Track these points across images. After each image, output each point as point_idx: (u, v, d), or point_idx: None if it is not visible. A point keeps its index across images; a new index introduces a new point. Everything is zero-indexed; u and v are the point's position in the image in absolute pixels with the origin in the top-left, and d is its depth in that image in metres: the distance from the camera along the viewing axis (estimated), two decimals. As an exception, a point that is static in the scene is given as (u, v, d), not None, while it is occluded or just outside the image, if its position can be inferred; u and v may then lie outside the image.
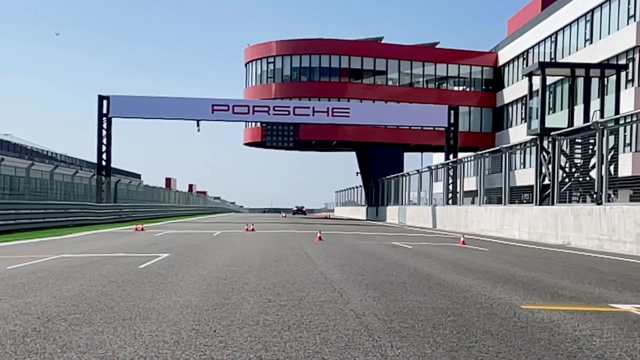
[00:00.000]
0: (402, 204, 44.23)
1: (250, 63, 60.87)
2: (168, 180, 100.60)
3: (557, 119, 27.72)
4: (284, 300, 7.22)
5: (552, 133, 22.47)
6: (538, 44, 49.74)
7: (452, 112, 45.38)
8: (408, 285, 8.66)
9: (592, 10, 41.42)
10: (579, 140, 22.32)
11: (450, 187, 36.12)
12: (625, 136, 33.99)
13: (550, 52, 47.59)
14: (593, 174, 19.52)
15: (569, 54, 44.04)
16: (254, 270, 10.48)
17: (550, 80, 29.03)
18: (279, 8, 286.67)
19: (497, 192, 26.98)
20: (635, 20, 36.64)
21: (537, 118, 27.55)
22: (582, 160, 22.43)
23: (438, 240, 21.38)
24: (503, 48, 57.91)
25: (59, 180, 31.88)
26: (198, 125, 43.62)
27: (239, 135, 62.45)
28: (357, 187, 72.54)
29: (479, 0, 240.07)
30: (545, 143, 25.23)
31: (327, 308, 6.69)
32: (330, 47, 58.01)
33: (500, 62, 58.20)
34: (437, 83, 59.58)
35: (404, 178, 44.52)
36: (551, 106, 30.80)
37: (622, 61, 36.69)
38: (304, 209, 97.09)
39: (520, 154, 42.45)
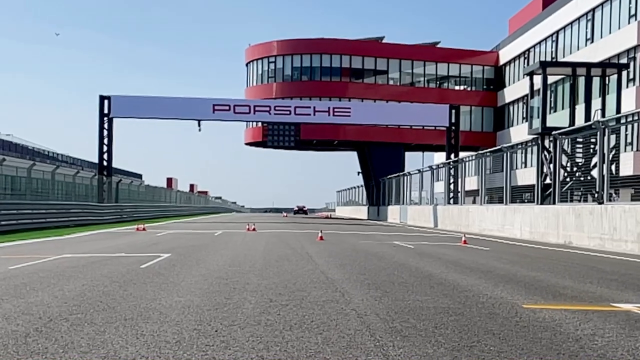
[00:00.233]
0: (403, 204, 44.22)
1: (251, 63, 60.88)
2: (169, 180, 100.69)
3: (558, 118, 27.72)
4: (285, 300, 7.23)
5: (554, 132, 22.46)
6: (539, 43, 49.72)
7: (453, 111, 45.37)
8: (409, 285, 8.66)
9: (593, 10, 41.40)
10: (580, 140, 22.33)
11: (452, 186, 36.10)
12: (626, 135, 33.97)
13: (552, 52, 47.56)
14: (594, 173, 19.51)
15: (570, 53, 44.01)
16: (255, 270, 10.48)
17: (551, 79, 29.05)
18: (279, 8, 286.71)
19: (498, 191, 26.97)
20: (636, 19, 36.61)
21: (538, 117, 27.55)
22: (583, 160, 22.44)
23: (439, 239, 21.37)
24: (504, 47, 57.88)
25: (60, 180, 31.90)
26: (199, 125, 43.65)
27: (240, 135, 62.52)
28: (358, 187, 72.53)
29: (479, 0, 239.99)
30: (546, 142, 25.22)
31: (328, 308, 6.69)
32: (331, 47, 58.01)
33: (501, 62, 58.18)
34: (438, 82, 59.56)
35: (405, 177, 44.51)
36: (552, 105, 30.80)
37: (623, 60, 36.66)
38: (305, 209, 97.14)
39: (522, 153, 42.42)
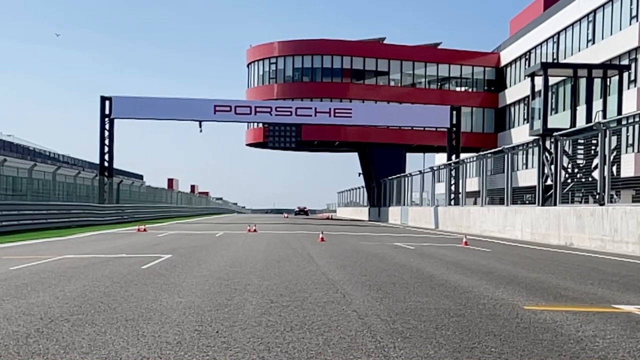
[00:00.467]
0: (404, 205, 44.22)
1: (252, 64, 60.91)
2: (170, 181, 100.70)
3: (559, 120, 27.73)
4: (286, 301, 7.23)
5: (555, 134, 22.45)
6: (540, 44, 49.72)
7: (454, 112, 45.39)
8: (410, 286, 8.66)
9: (595, 11, 41.40)
10: (582, 141, 22.32)
11: (453, 187, 36.10)
12: (627, 137, 33.96)
13: (553, 53, 47.57)
14: (595, 174, 19.50)
15: (572, 54, 44.01)
16: (256, 271, 10.48)
17: (552, 80, 29.06)
18: (279, 8, 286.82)
19: (499, 192, 26.96)
20: (637, 20, 36.60)
21: (539, 118, 27.55)
22: (584, 161, 22.43)
23: (440, 240, 21.37)
24: (505, 48, 57.89)
25: (61, 181, 31.92)
26: (200, 126, 43.70)
27: (241, 136, 62.54)
28: (359, 188, 72.54)
29: (481, 1, 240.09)
30: (547, 144, 25.21)
31: (329, 309, 6.69)
32: (332, 48, 58.03)
33: (503, 63, 58.19)
34: (439, 84, 59.58)
35: (406, 179, 44.51)
36: (553, 107, 30.80)
37: (625, 61, 36.65)
38: (306, 210, 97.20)
39: (523, 154, 42.42)
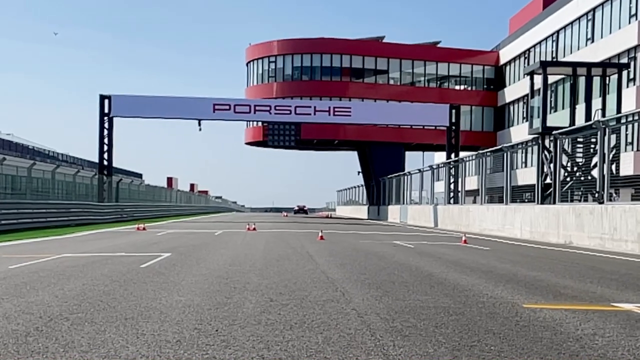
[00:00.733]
0: (403, 203, 44.22)
1: (251, 62, 60.88)
2: (169, 180, 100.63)
3: (558, 118, 27.74)
4: (285, 299, 7.23)
5: (554, 132, 22.46)
6: (539, 43, 49.72)
7: (453, 111, 45.36)
8: (410, 285, 8.66)
9: (594, 9, 41.40)
10: (581, 140, 22.33)
11: (452, 186, 36.10)
12: (626, 135, 33.97)
13: (552, 51, 47.56)
14: (595, 173, 19.51)
15: (571, 53, 44.02)
16: (255, 269, 10.48)
17: (551, 79, 29.06)
18: (279, 8, 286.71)
19: (498, 191, 26.97)
20: (636, 19, 36.60)
21: (538, 117, 27.55)
22: (583, 160, 22.44)
23: (440, 239, 21.37)
24: (504, 47, 57.88)
25: (60, 179, 31.91)
26: (199, 124, 43.65)
27: (241, 134, 62.54)
28: (358, 187, 72.54)
29: (480, 0, 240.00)
30: (546, 142, 25.22)
31: (329, 307, 6.69)
32: (331, 47, 58.01)
33: (502, 61, 58.19)
34: (438, 82, 59.57)
35: (406, 177, 44.51)
36: (553, 105, 30.80)
37: (624, 60, 36.65)
38: (305, 208, 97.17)
39: (522, 153, 42.43)
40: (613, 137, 18.06)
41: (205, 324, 5.74)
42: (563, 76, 28.98)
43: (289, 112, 44.50)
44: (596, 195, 18.13)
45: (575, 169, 23.25)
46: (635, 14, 36.88)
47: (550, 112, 28.30)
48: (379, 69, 58.24)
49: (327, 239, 19.86)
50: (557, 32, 46.50)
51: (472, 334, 5.45)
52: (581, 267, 11.60)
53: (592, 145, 20.41)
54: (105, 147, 42.92)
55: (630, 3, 37.48)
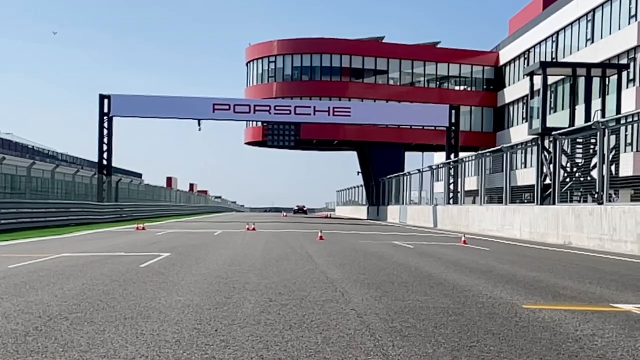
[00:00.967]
0: (403, 204, 44.23)
1: (251, 62, 60.87)
2: (169, 180, 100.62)
3: (558, 119, 27.70)
4: (285, 299, 7.23)
5: (553, 133, 22.46)
6: (539, 43, 49.73)
7: (453, 111, 45.36)
8: (409, 285, 8.66)
9: (594, 10, 41.41)
10: (580, 140, 22.32)
11: (451, 186, 36.10)
12: (626, 136, 33.97)
13: (552, 52, 47.57)
14: (594, 173, 19.50)
15: (570, 53, 44.02)
16: (255, 269, 10.48)
17: (551, 79, 29.03)
18: (279, 8, 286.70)
19: (498, 191, 26.97)
20: (636, 20, 36.62)
21: (538, 118, 27.54)
22: (583, 160, 22.43)
23: (439, 239, 21.37)
24: (504, 47, 57.89)
25: (59, 179, 31.90)
26: (199, 124, 43.64)
27: (240, 134, 62.53)
28: (358, 187, 72.54)
29: (480, 0, 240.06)
30: (546, 143, 25.22)
31: (328, 307, 6.69)
32: (331, 47, 58.01)
33: (502, 62, 58.19)
34: (438, 82, 59.57)
35: (405, 177, 44.51)
36: (552, 106, 30.78)
37: (624, 61, 36.67)
38: (304, 209, 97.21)
39: (521, 153, 42.44)
40: (612, 137, 18.06)
41: (204, 324, 5.74)
42: (563, 77, 28.94)
43: (288, 112, 44.49)
44: (595, 195, 18.13)
45: (574, 169, 23.25)
46: (635, 15, 36.89)
47: (549, 113, 28.25)
48: (379, 69, 58.24)
49: (327, 239, 19.86)
50: (557, 32, 46.51)
51: (471, 334, 5.45)
52: (580, 268, 11.60)
53: (592, 146, 20.41)
54: (105, 147, 42.92)
55: (630, 4, 37.49)
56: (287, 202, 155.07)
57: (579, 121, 25.25)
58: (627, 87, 34.14)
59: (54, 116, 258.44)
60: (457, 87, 60.13)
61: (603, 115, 24.34)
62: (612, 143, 18.09)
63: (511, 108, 56.40)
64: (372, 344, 5.03)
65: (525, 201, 26.85)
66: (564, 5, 45.20)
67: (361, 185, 67.48)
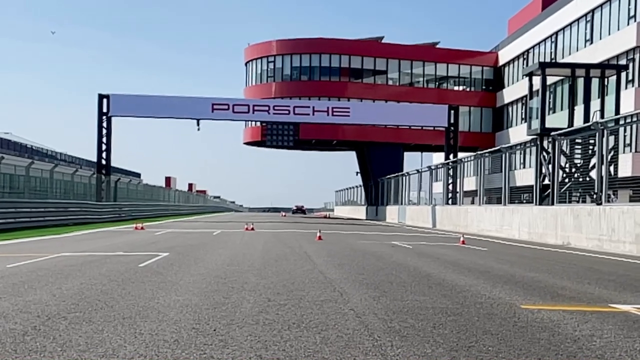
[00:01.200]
0: (401, 204, 44.23)
1: (250, 62, 60.86)
2: (168, 179, 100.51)
3: (557, 119, 27.72)
4: (283, 299, 7.22)
5: (552, 133, 22.47)
6: (538, 44, 49.74)
7: (452, 111, 45.37)
8: (408, 285, 8.66)
9: (593, 11, 41.42)
10: (579, 141, 22.33)
11: (450, 187, 36.12)
12: (625, 136, 33.98)
13: (551, 52, 47.58)
14: (593, 174, 19.52)
15: (569, 54, 44.04)
16: (253, 269, 10.48)
17: (550, 80, 29.02)
18: (279, 8, 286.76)
19: (497, 192, 26.98)
20: (635, 20, 36.63)
21: (537, 118, 27.55)
22: (582, 161, 22.44)
23: (438, 240, 21.38)
24: (503, 48, 57.90)
25: (58, 178, 31.88)
26: (198, 124, 43.61)
27: (239, 134, 62.52)
28: (356, 187, 72.54)
29: (479, 0, 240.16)
30: (545, 143, 25.22)
31: (327, 307, 6.69)
32: (330, 47, 58.00)
33: (501, 62, 58.20)
34: (437, 83, 59.58)
35: (404, 178, 44.52)
36: (551, 106, 30.79)
37: (623, 61, 36.68)
38: (303, 209, 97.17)
39: (520, 154, 42.45)
40: (611, 138, 18.09)
41: (203, 324, 5.73)
42: (562, 77, 28.95)
43: (287, 112, 44.48)
44: (594, 196, 18.14)
45: (573, 170, 23.25)
46: (634, 16, 36.91)
47: (548, 113, 28.26)
48: (378, 69, 58.24)
49: (325, 239, 19.86)
50: (556, 33, 46.52)
51: (470, 334, 5.45)
52: (579, 268, 11.60)
53: (591, 147, 20.41)
54: (104, 147, 42.90)
55: (629, 4, 37.51)
56: (286, 202, 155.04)
57: (578, 122, 25.25)
58: (626, 87, 34.15)
59: (52, 116, 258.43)
60: (456, 88, 60.14)
61: (602, 116, 24.34)
62: (611, 144, 18.11)
63: (510, 108, 56.41)
64: (370, 344, 5.03)
65: (524, 202, 26.84)
66: (563, 6, 45.22)
67: (360, 186, 67.49)
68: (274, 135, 45.17)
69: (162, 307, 6.62)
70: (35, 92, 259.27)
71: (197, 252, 14.15)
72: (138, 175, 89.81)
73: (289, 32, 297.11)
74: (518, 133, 49.89)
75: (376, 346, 4.95)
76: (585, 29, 42.47)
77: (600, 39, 40.28)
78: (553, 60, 45.47)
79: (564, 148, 22.61)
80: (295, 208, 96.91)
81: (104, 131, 42.85)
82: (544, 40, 48.59)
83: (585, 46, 42.19)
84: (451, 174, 36.55)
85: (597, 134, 17.99)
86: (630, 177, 27.14)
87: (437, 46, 60.76)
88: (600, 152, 17.68)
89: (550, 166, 23.04)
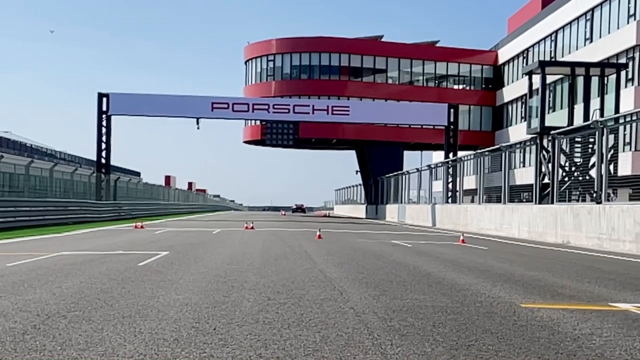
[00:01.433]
0: (401, 203, 44.23)
1: (250, 61, 60.83)
2: (167, 178, 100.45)
3: (557, 118, 27.75)
4: (283, 298, 7.22)
5: (552, 132, 22.47)
6: (538, 42, 49.72)
7: (451, 110, 45.34)
8: (407, 284, 8.66)
9: (593, 9, 41.40)
10: (579, 139, 22.33)
11: (450, 185, 36.10)
12: (625, 135, 33.97)
13: (551, 51, 47.57)
14: (593, 173, 19.52)
15: (569, 52, 44.02)
16: (253, 268, 10.48)
17: (550, 79, 29.05)
18: (279, 7, 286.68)
19: (496, 190, 26.98)
20: (635, 19, 36.61)
21: (537, 117, 27.57)
22: (581, 159, 22.44)
23: (437, 238, 21.38)
24: (503, 47, 57.89)
25: (58, 177, 31.88)
26: (198, 123, 43.57)
27: (239, 133, 62.51)
28: (356, 186, 72.54)
29: (479, 0, 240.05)
30: (545, 142, 25.22)
31: (326, 306, 6.69)
32: (330, 46, 57.98)
33: (500, 61, 58.19)
34: (437, 81, 59.56)
35: (404, 176, 44.51)
36: (551, 105, 30.81)
37: (622, 60, 36.67)
38: (303, 207, 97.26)
39: (520, 152, 42.43)
40: (611, 137, 18.09)
41: (202, 323, 5.73)
42: (561, 76, 28.97)
43: (287, 110, 44.44)
44: (594, 195, 18.14)
45: (573, 168, 23.26)
46: (634, 14, 36.89)
47: (548, 112, 28.28)
48: (378, 68, 58.23)
49: (325, 238, 19.85)
50: (556, 32, 46.50)
51: (469, 333, 5.45)
52: (579, 267, 11.61)
53: (590, 145, 20.42)
54: (104, 145, 42.87)
55: (629, 3, 37.49)
56: (285, 201, 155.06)
57: (578, 120, 25.26)
58: (625, 86, 34.14)
59: (52, 115, 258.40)
60: (456, 86, 60.13)
61: (602, 115, 24.35)
62: (611, 142, 18.12)
63: (510, 107, 56.40)
64: (370, 342, 5.03)
65: (524, 200, 26.87)
66: (563, 5, 45.20)
67: (360, 184, 67.47)
68: (274, 134, 45.16)
69: (161, 305, 6.62)
70: (35, 92, 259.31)
71: (197, 250, 14.15)
72: (138, 174, 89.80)
73: (289, 32, 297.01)
74: (518, 132, 49.90)
75: (376, 345, 4.95)
76: (585, 28, 42.45)
77: (600, 37, 40.27)
78: (553, 59, 45.46)
79: (563, 147, 22.61)
80: (295, 207, 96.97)
81: (104, 130, 42.81)
82: (544, 38, 48.57)
83: (585, 45, 42.17)
84: (451, 172, 36.54)
85: (596, 133, 17.99)
86: (630, 176, 27.16)
87: (437, 45, 60.74)
88: (600, 151, 17.68)
89: (550, 165, 23.05)
